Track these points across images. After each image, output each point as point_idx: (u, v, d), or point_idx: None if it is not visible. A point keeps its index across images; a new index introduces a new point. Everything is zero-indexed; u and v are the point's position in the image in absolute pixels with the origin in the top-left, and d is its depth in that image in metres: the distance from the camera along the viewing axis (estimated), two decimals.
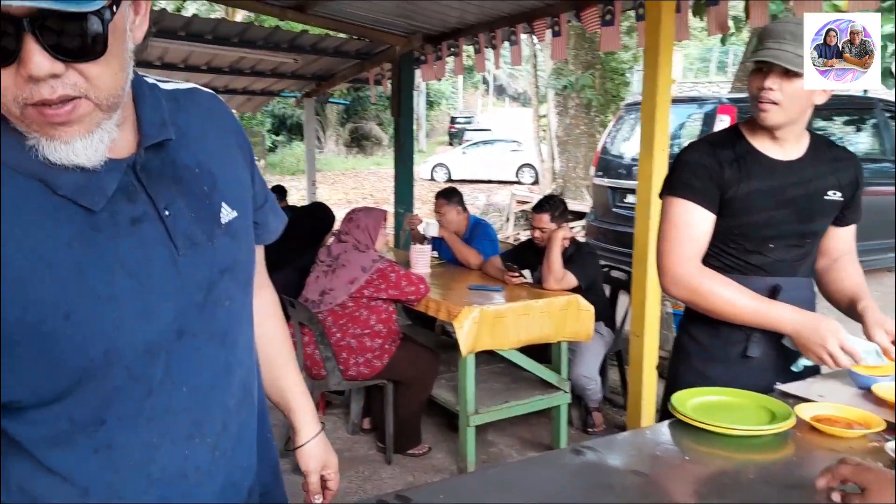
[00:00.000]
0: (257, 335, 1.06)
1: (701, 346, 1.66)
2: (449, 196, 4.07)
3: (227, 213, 0.87)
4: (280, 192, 6.42)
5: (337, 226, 3.57)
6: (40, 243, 0.71)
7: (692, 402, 1.36)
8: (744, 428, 1.24)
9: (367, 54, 5.67)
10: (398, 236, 5.38)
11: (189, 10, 15.34)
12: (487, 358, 3.31)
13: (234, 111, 6.25)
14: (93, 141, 0.71)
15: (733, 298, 1.53)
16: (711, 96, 7.26)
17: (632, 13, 3.69)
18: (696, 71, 24.90)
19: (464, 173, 18.01)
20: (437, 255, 4.02)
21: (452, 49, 5.03)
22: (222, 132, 0.93)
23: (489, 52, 4.78)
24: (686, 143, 1.75)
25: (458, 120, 27.40)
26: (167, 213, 0.79)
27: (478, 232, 4.03)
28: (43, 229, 0.71)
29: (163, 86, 0.89)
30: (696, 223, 1.57)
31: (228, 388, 0.89)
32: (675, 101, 4.25)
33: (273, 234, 1.06)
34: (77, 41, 0.65)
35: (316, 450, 1.14)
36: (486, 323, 2.90)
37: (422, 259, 3.75)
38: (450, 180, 18.27)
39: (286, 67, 6.05)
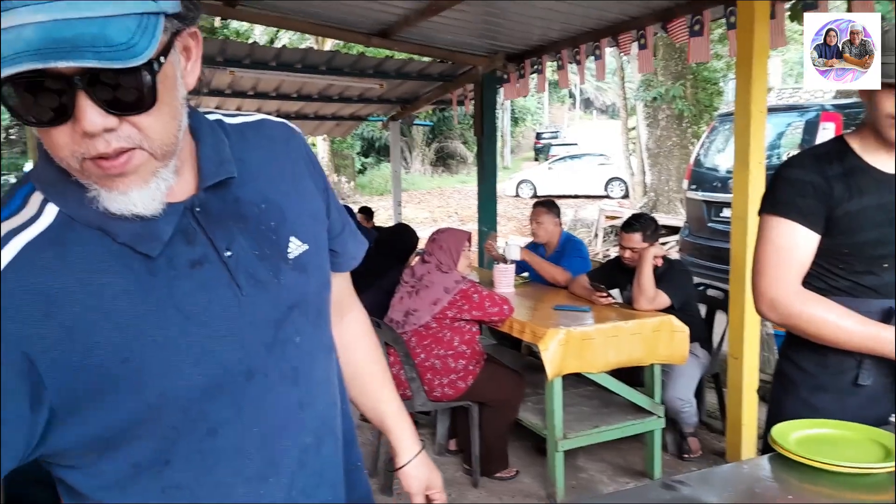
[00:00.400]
0: (348, 360, 1.06)
1: (806, 374, 1.54)
2: (549, 206, 4.02)
3: (295, 247, 0.86)
4: (367, 213, 6.58)
5: (421, 245, 3.60)
6: (99, 290, 0.72)
7: (796, 434, 1.26)
8: (854, 465, 1.13)
9: (451, 76, 5.74)
10: (482, 255, 5.37)
11: (281, 41, 16.08)
12: (575, 380, 3.23)
13: (324, 136, 6.55)
14: (150, 190, 0.71)
15: (841, 323, 1.42)
16: (814, 103, 6.84)
17: (723, 21, 3.55)
18: (797, 76, 23.66)
19: (550, 189, 17.87)
20: (525, 275, 3.97)
21: (535, 66, 5.00)
22: (293, 161, 0.91)
23: (573, 67, 4.72)
24: (786, 154, 1.64)
25: (543, 135, 27.28)
26: (228, 253, 0.78)
27: (570, 248, 3.95)
28: (101, 277, 0.72)
29: (228, 121, 0.88)
30: (799, 245, 1.47)
31: (303, 426, 0.87)
32: (773, 109, 4.04)
33: (354, 260, 1.05)
34: (128, 95, 0.65)
35: (417, 470, 1.13)
36: (573, 345, 2.83)
37: (505, 279, 3.72)
38: (535, 196, 18.14)
39: (372, 92, 6.21)
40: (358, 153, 22.57)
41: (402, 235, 3.84)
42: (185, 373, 0.75)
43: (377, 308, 3.34)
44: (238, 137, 0.86)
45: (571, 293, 3.55)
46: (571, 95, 33.30)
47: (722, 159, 6.32)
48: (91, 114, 0.64)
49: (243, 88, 5.85)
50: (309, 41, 15.51)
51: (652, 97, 10.57)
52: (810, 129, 5.45)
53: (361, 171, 22.64)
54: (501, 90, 5.53)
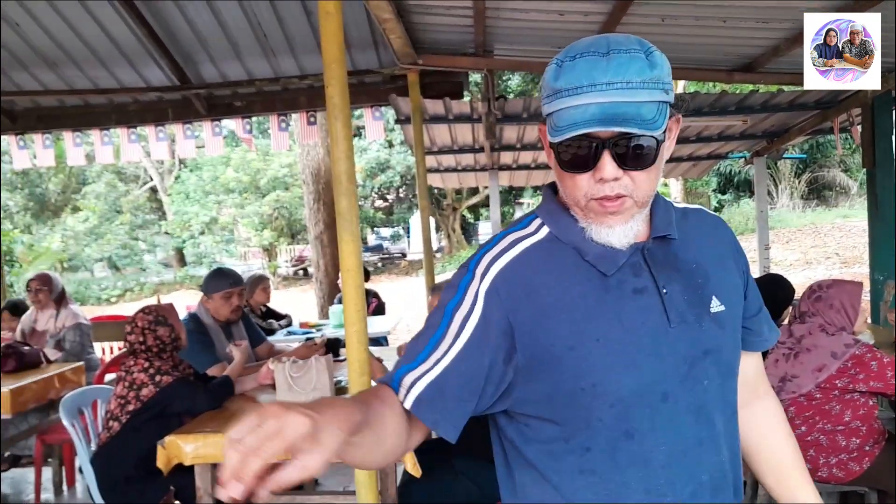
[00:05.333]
0: (762, 443, 1.16)
1: None
2: None
3: (715, 305, 1.01)
4: None
5: (798, 296, 3.17)
6: (564, 291, 0.95)
7: None
8: None
9: (830, 103, 5.05)
10: (877, 310, 4.53)
11: None
12: None
13: (679, 178, 6.37)
14: (626, 228, 0.95)
15: None
16: None
17: None
18: None
19: None
20: None
21: None
22: (720, 243, 1.09)
23: None
24: None
25: None
26: (664, 290, 0.97)
27: None
28: (568, 281, 0.96)
29: (676, 204, 1.09)
30: None
31: (701, 463, 0.98)
32: None
33: (766, 342, 1.15)
34: (637, 156, 0.90)
35: None
36: None
37: None
38: None
39: (734, 129, 5.80)
40: (714, 190, 21.29)
41: (775, 288, 3.43)
42: (615, 374, 0.93)
43: None
44: (681, 215, 1.07)
45: None
46: None
47: None
48: (609, 167, 0.90)
49: None
50: None
51: None
52: None
53: (718, 209, 21.28)
54: None
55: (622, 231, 0.94)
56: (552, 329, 0.93)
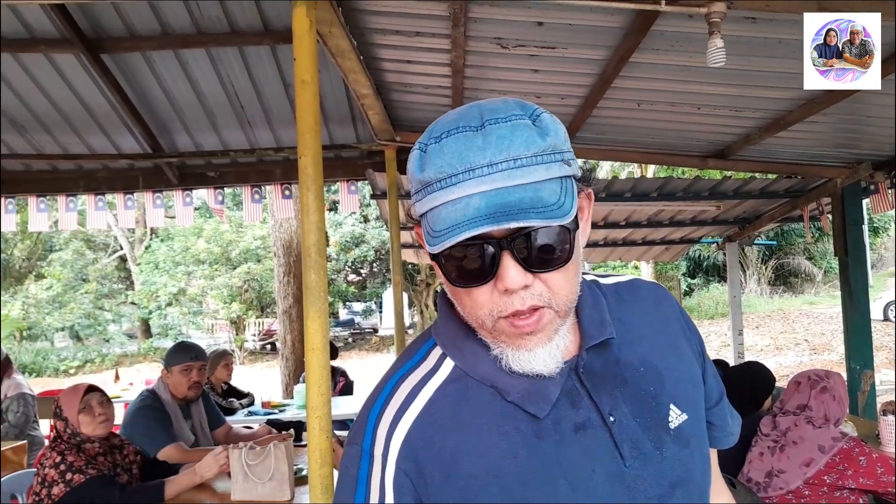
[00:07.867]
0: None
1: None
2: None
3: (675, 417, 0.81)
4: None
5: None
6: (489, 450, 0.73)
7: None
8: None
9: (800, 191, 5.15)
10: (854, 400, 4.46)
11: (602, 169, 16.55)
12: None
13: (650, 261, 6.37)
14: (551, 348, 0.73)
15: None
16: None
17: None
18: None
19: None
20: None
21: None
22: (667, 322, 0.88)
23: None
24: None
25: None
26: (612, 419, 0.76)
27: None
28: (492, 436, 0.74)
29: (603, 281, 0.88)
30: None
31: None
32: None
33: (732, 436, 0.95)
34: (547, 253, 0.69)
35: None
36: None
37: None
38: None
39: (707, 215, 5.88)
40: (684, 274, 21.55)
41: (756, 376, 3.34)
42: None
43: (729, 461, 2.90)
44: (615, 298, 0.86)
45: None
46: None
47: None
48: (513, 272, 0.68)
49: None
50: (632, 166, 15.72)
51: None
52: None
53: (688, 293, 21.47)
54: (867, 202, 4.76)
55: (546, 353, 0.72)
56: None
